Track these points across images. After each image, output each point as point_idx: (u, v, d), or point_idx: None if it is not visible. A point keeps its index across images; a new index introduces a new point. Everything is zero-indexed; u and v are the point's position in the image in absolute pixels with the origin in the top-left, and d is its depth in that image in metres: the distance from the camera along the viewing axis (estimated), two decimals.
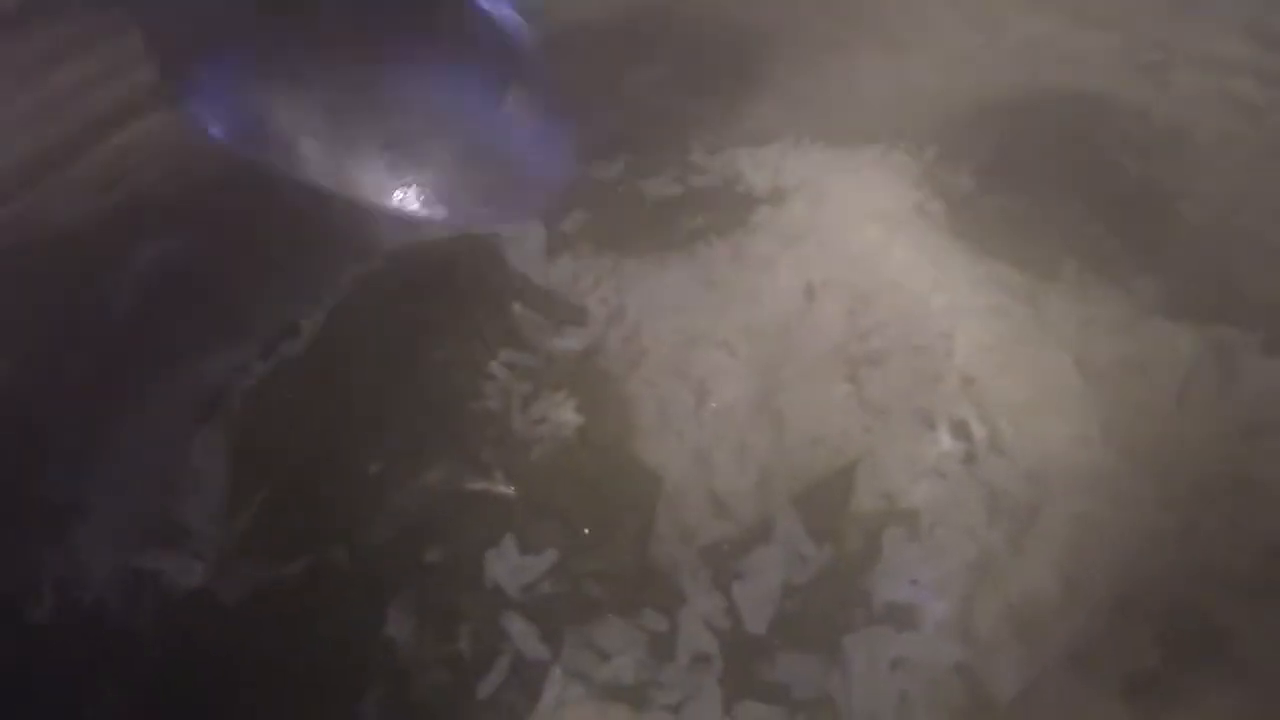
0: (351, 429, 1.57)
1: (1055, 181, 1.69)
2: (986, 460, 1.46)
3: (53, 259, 1.42)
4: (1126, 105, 1.60)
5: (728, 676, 1.35)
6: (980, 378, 1.51)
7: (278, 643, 1.42)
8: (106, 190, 1.50)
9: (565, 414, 1.57)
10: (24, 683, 1.35)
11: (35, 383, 1.43)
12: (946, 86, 1.77)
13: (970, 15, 1.74)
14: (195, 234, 1.59)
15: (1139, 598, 1.35)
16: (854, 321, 1.58)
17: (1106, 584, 1.36)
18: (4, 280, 1.36)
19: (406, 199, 1.25)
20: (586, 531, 1.46)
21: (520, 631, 1.39)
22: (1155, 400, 1.51)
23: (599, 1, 1.85)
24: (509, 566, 1.44)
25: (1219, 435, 1.46)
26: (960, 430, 1.48)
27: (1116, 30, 1.57)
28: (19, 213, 1.38)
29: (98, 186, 1.49)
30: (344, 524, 1.49)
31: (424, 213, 1.25)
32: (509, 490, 1.52)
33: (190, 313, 1.62)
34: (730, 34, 1.89)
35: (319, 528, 1.50)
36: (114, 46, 1.42)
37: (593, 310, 1.68)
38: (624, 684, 1.36)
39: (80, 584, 1.48)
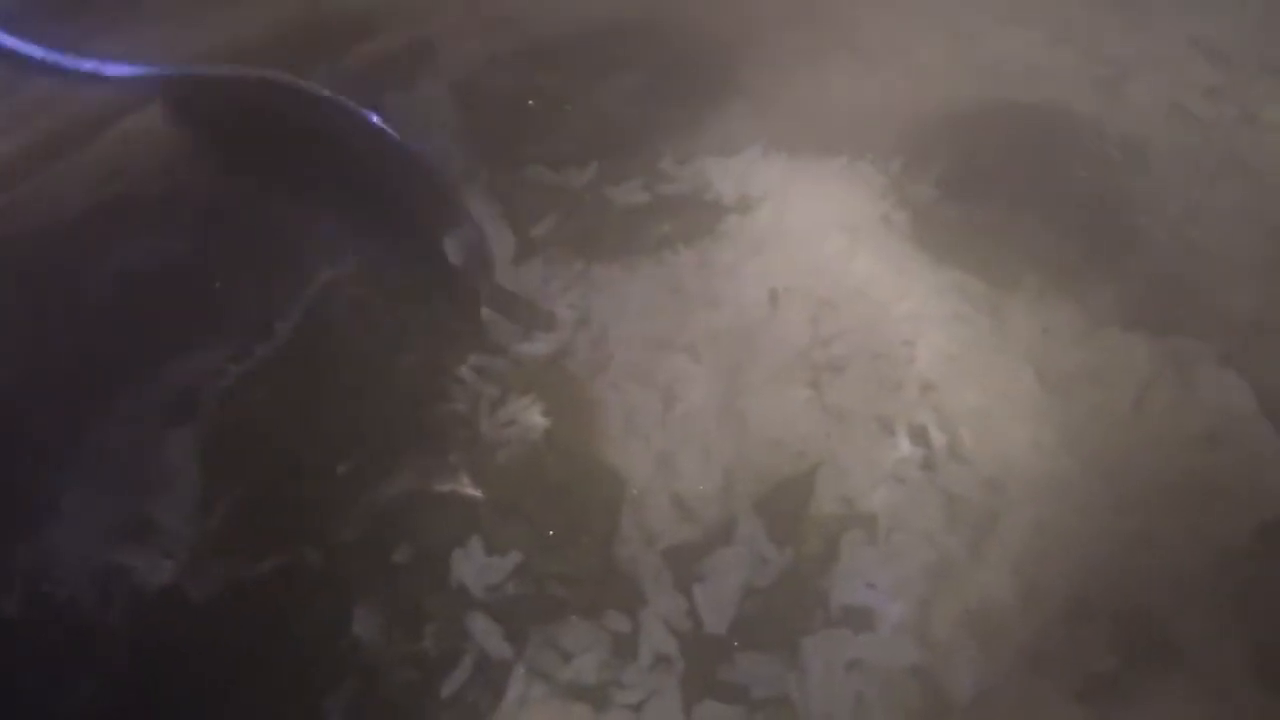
0: (322, 431, 1.59)
1: (1017, 193, 1.72)
2: (945, 466, 1.49)
3: (35, 254, 1.44)
4: (1083, 118, 1.64)
5: (688, 677, 1.37)
6: (940, 385, 1.54)
7: (247, 640, 1.43)
8: (94, 186, 1.51)
9: (533, 417, 1.59)
10: None
11: (11, 377, 1.44)
12: (913, 99, 1.79)
13: (937, 29, 1.78)
14: (173, 234, 1.60)
15: (1095, 602, 1.38)
16: (817, 328, 1.60)
17: (1063, 588, 1.39)
18: None
19: None
20: (551, 533, 1.49)
21: (485, 631, 1.41)
22: (1113, 409, 1.54)
23: (574, 13, 1.87)
24: (475, 567, 1.46)
25: (1175, 443, 1.50)
26: (920, 436, 1.51)
27: (1074, 44, 1.60)
28: (6, 205, 1.39)
29: (86, 182, 1.51)
30: (314, 524, 1.52)
31: None
32: (476, 492, 1.54)
33: (167, 313, 1.63)
34: (702, 46, 1.91)
35: (289, 527, 1.52)
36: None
37: (561, 315, 1.70)
38: (586, 684, 1.38)
39: (52, 579, 1.47)
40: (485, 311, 1.66)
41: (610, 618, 1.42)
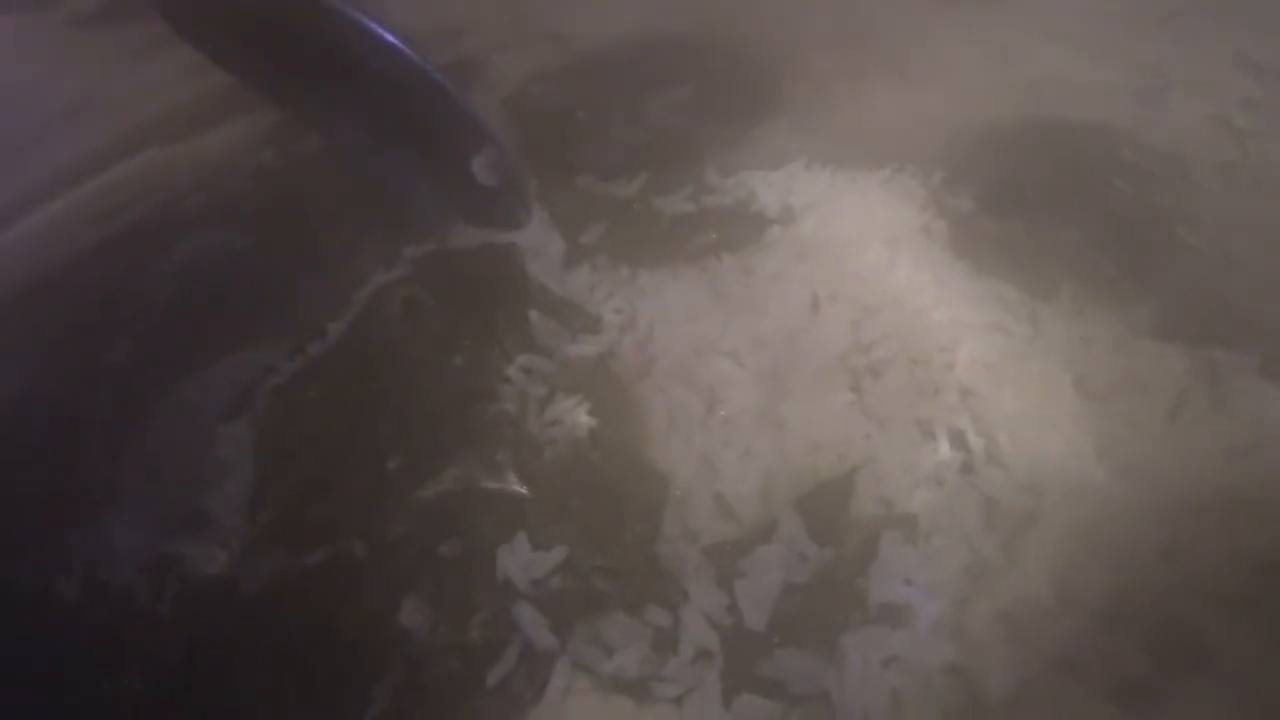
0: (373, 428, 1.62)
1: (1055, 205, 1.74)
2: (983, 470, 1.51)
3: (100, 250, 1.49)
4: (1123, 132, 1.66)
5: (728, 671, 1.39)
6: (979, 391, 1.57)
7: (296, 630, 1.47)
8: (158, 188, 1.57)
9: (578, 417, 1.62)
10: (50, 659, 1.41)
11: (74, 371, 1.49)
12: (954, 115, 1.83)
13: (980, 48, 1.81)
14: (232, 235, 1.65)
15: (1128, 607, 1.39)
16: (857, 334, 1.64)
17: (1097, 592, 1.40)
18: (50, 269, 1.43)
19: None
20: (596, 530, 1.51)
21: (530, 623, 1.44)
22: (1149, 418, 1.55)
23: (622, 28, 1.92)
24: (520, 562, 1.49)
25: (1210, 454, 1.51)
26: (958, 441, 1.53)
27: (1115, 60, 1.62)
28: (74, 203, 1.44)
29: (152, 184, 1.56)
30: (363, 518, 1.55)
31: None
32: (522, 489, 1.57)
33: (224, 312, 1.69)
34: (748, 62, 1.96)
35: (339, 521, 1.55)
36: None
37: (607, 319, 1.74)
38: (628, 677, 1.40)
39: (109, 567, 1.53)
40: (533, 314, 1.69)
41: (652, 612, 1.44)
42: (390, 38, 1.46)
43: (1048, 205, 1.75)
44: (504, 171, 1.64)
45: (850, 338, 1.64)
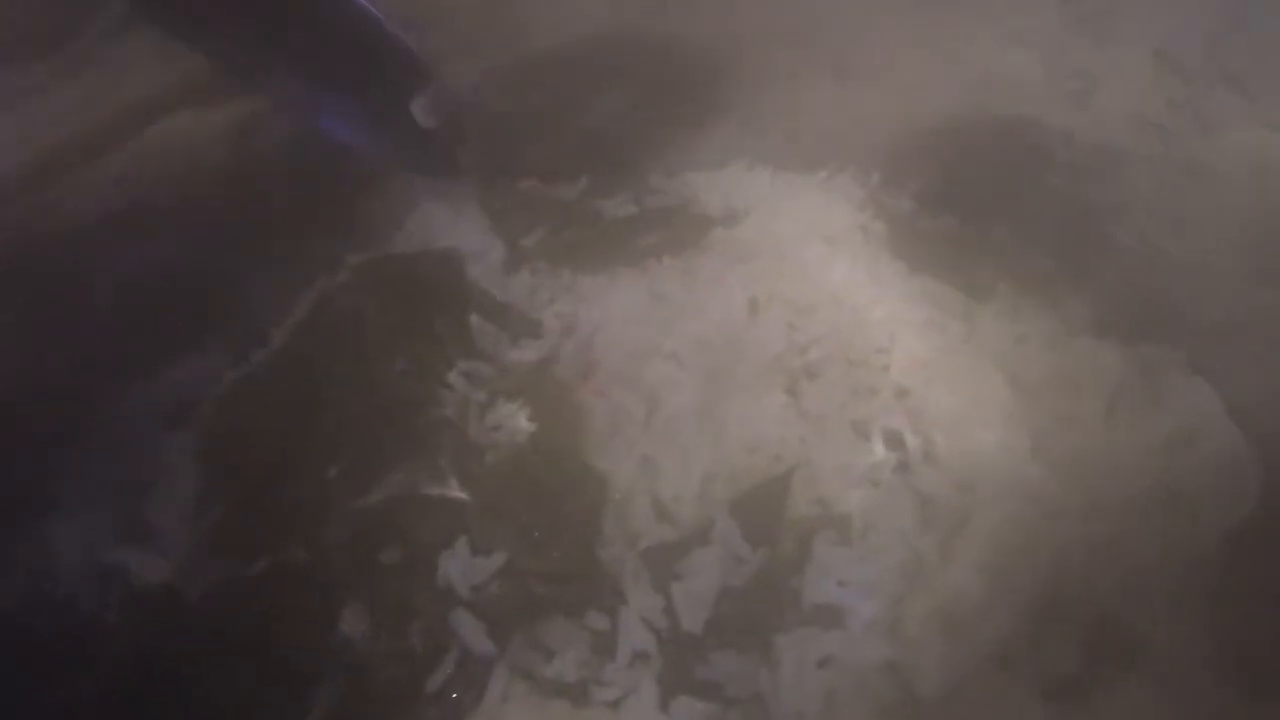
0: (315, 434, 1.63)
1: (991, 204, 1.76)
2: (919, 469, 1.52)
3: (45, 260, 1.49)
4: (1054, 131, 1.67)
5: (665, 674, 1.41)
6: (915, 390, 1.58)
7: (238, 637, 1.47)
8: (105, 196, 1.57)
9: (519, 422, 1.63)
10: None
11: (16, 379, 1.50)
12: (893, 114, 1.83)
13: (919, 46, 1.81)
14: (178, 243, 1.65)
15: (1063, 603, 1.41)
16: (794, 335, 1.65)
17: (1032, 589, 1.41)
18: None
19: None
20: (536, 534, 1.52)
21: (469, 629, 1.45)
22: (1083, 415, 1.57)
23: (573, 27, 1.92)
24: (461, 567, 1.50)
25: (1144, 449, 1.53)
26: (894, 440, 1.54)
27: (1043, 59, 1.64)
28: (21, 212, 1.44)
29: (99, 191, 1.56)
30: (305, 525, 1.56)
31: None
32: (463, 494, 1.57)
33: (168, 319, 1.68)
34: (694, 62, 1.95)
35: (281, 528, 1.56)
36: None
37: (548, 323, 1.74)
38: (566, 681, 1.41)
39: (51, 576, 1.54)
40: (474, 318, 1.69)
41: (591, 616, 1.45)
42: None
43: (984, 204, 1.77)
44: (443, 112, 1.63)
45: (788, 339, 1.64)
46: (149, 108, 1.66)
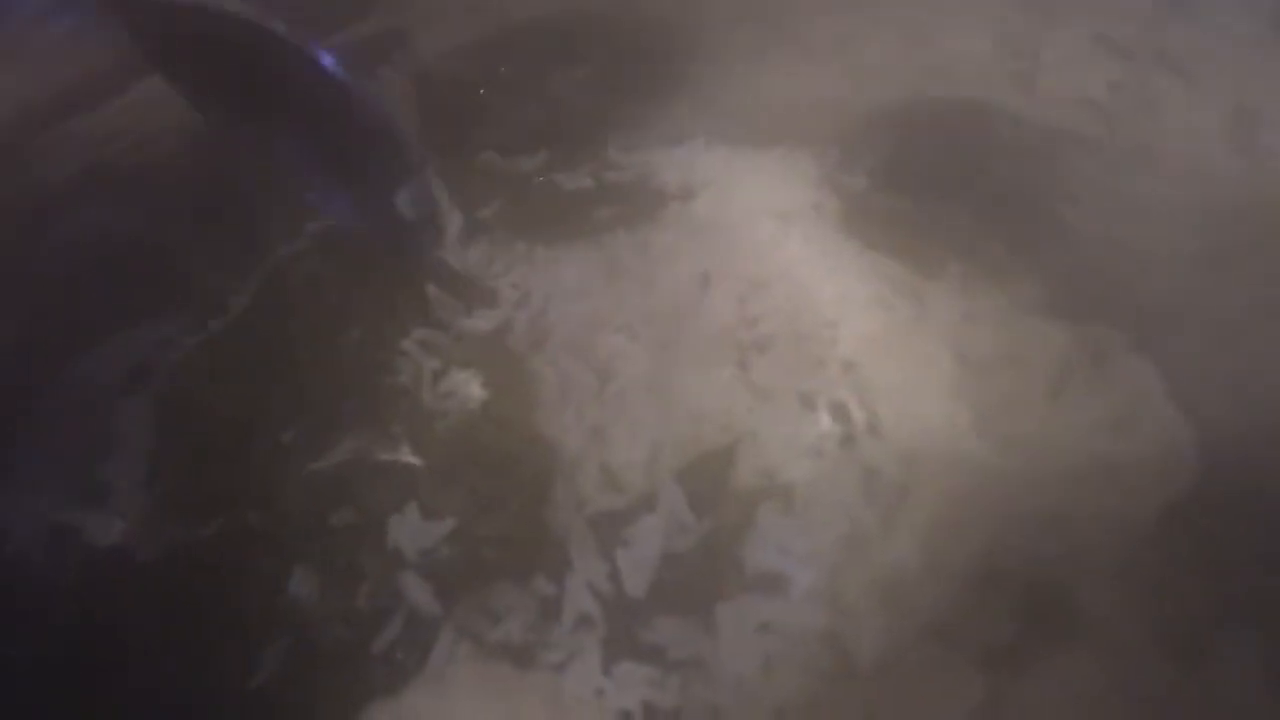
0: (271, 400, 1.65)
1: (944, 184, 1.77)
2: (863, 442, 1.53)
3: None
4: (1003, 112, 1.69)
5: (609, 638, 1.42)
6: (862, 365, 1.59)
7: (190, 598, 1.49)
8: (66, 158, 1.57)
9: (472, 390, 1.65)
10: None
11: None
12: (851, 93, 1.85)
13: (879, 25, 1.83)
14: (138, 206, 1.66)
15: (1001, 575, 1.43)
16: (745, 309, 1.66)
17: (970, 561, 1.43)
18: None
19: None
20: (486, 500, 1.54)
21: (416, 591, 1.46)
22: (1028, 392, 1.58)
23: (527, 9, 1.93)
24: (411, 531, 1.52)
25: (1087, 427, 1.54)
26: (840, 413, 1.56)
27: (990, 41, 1.65)
28: None
29: (61, 153, 1.56)
30: (258, 489, 1.57)
31: None
32: (415, 460, 1.59)
33: (126, 283, 1.69)
34: (655, 36, 1.97)
35: (235, 491, 1.58)
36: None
37: (503, 294, 1.76)
38: (512, 643, 1.43)
39: (4, 537, 1.55)
40: (430, 288, 1.71)
41: (538, 581, 1.46)
42: (337, 69, 1.47)
43: (938, 183, 1.78)
44: (426, 207, 1.67)
45: (738, 313, 1.66)
46: (113, 75, 1.66)
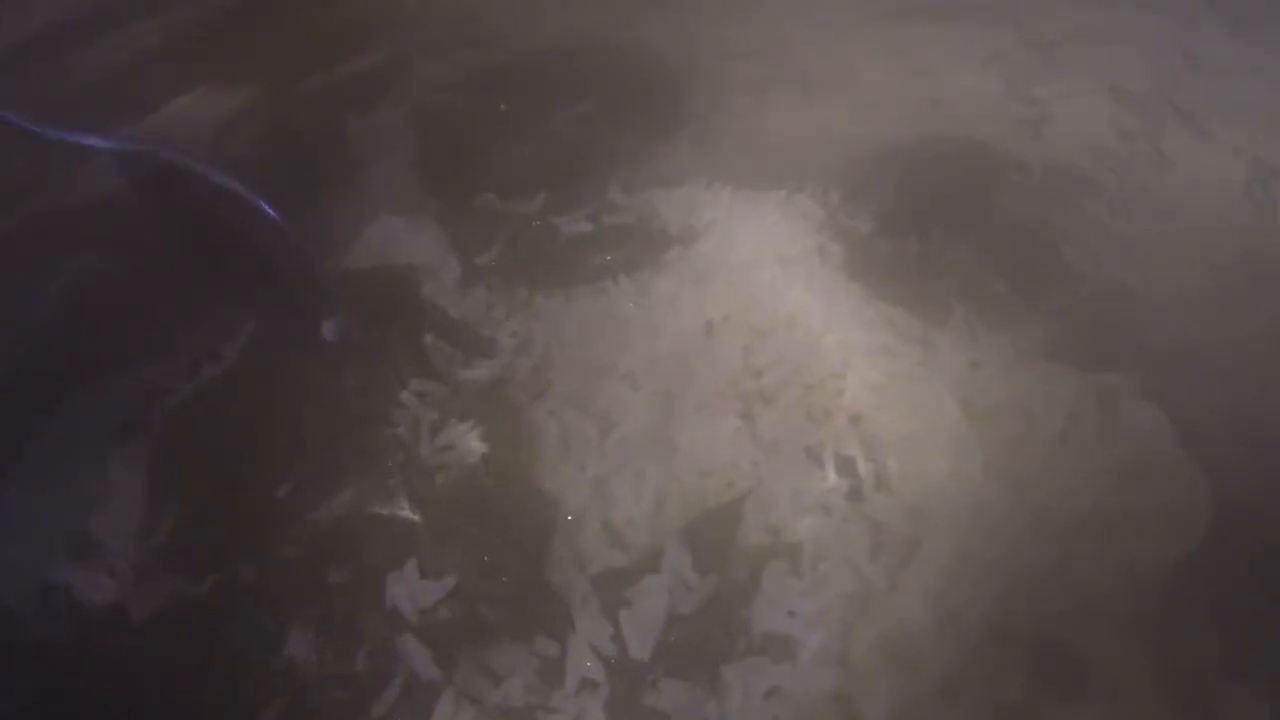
0: (266, 452, 1.62)
1: (949, 227, 1.75)
2: (871, 496, 1.52)
3: None
4: (1010, 155, 1.67)
5: (612, 702, 1.40)
6: (868, 416, 1.57)
7: (183, 658, 1.46)
8: (48, 201, 1.54)
9: (471, 442, 1.62)
10: None
11: None
12: (854, 132, 1.83)
13: (883, 63, 1.80)
14: (126, 252, 1.62)
15: (1011, 630, 1.41)
16: (749, 358, 1.64)
17: (981, 617, 1.41)
18: None
19: None
20: (486, 558, 1.51)
21: (416, 654, 1.44)
22: (1037, 441, 1.56)
23: (545, 33, 1.90)
24: (409, 589, 1.49)
25: (1097, 475, 1.52)
26: (846, 466, 1.54)
27: (998, 84, 1.63)
28: None
29: (42, 196, 1.53)
30: (254, 544, 1.54)
31: None
32: (414, 515, 1.57)
33: (118, 332, 1.65)
34: (657, 73, 1.94)
35: (229, 547, 1.55)
36: None
37: (502, 342, 1.73)
38: (513, 707, 1.40)
39: None
40: (428, 337, 1.68)
41: (540, 642, 1.44)
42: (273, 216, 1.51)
43: (942, 227, 1.76)
44: (348, 336, 1.67)
45: (743, 362, 1.64)
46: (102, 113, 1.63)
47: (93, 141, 1.39)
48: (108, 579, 1.56)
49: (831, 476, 1.53)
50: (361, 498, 1.58)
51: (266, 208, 1.49)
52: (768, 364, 1.63)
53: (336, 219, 1.83)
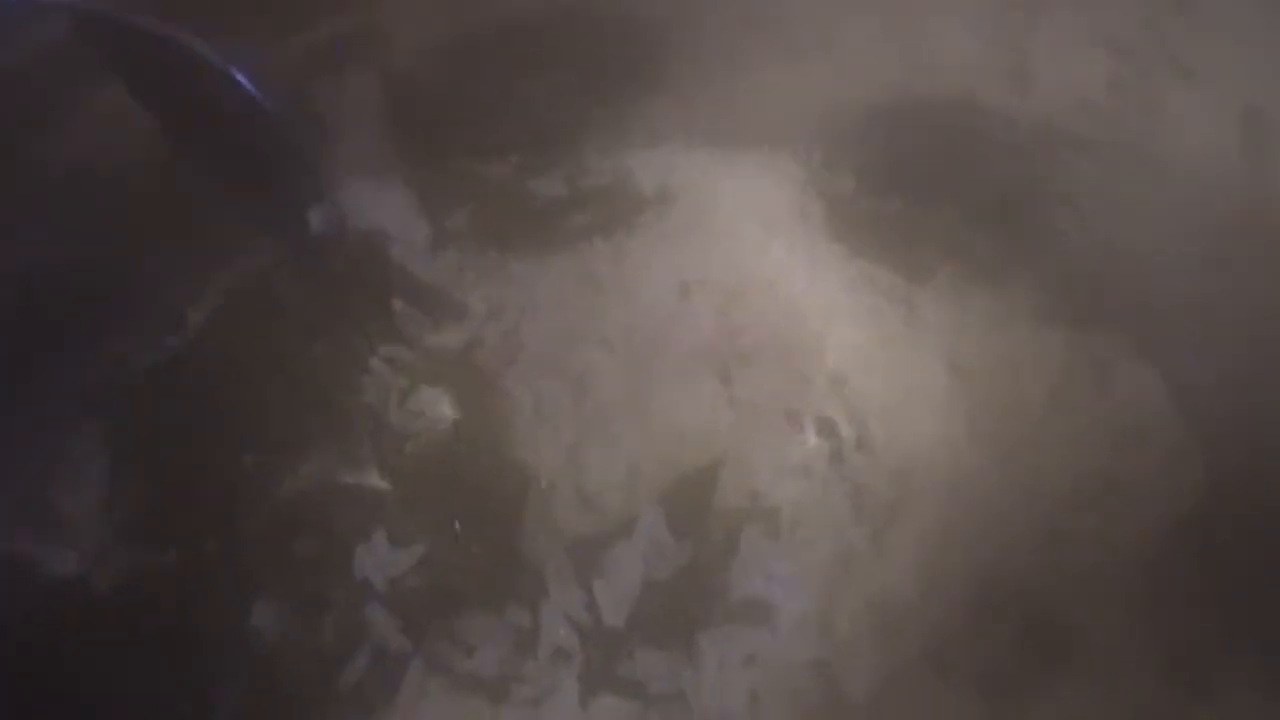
0: (231, 421, 1.58)
1: (934, 185, 1.71)
2: (853, 460, 1.49)
3: None
4: (996, 111, 1.63)
5: (586, 672, 1.37)
6: (850, 378, 1.54)
7: (147, 631, 1.43)
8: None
9: (442, 409, 1.58)
10: None
11: None
12: (835, 90, 1.78)
13: (865, 20, 1.76)
14: (82, 222, 1.59)
15: (998, 598, 1.38)
16: (726, 320, 1.60)
17: (966, 583, 1.39)
18: None
19: None
20: (457, 526, 1.48)
21: (384, 623, 1.41)
22: (1025, 403, 1.53)
23: (504, 5, 1.86)
24: (378, 559, 1.46)
25: (1088, 439, 1.50)
26: (828, 429, 1.51)
27: (986, 37, 1.60)
28: None
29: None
30: (219, 515, 1.51)
31: None
32: (383, 484, 1.54)
33: (78, 300, 1.62)
34: (632, 36, 1.89)
35: (194, 518, 1.51)
36: None
37: (474, 307, 1.68)
38: (485, 677, 1.37)
39: None
40: (397, 302, 1.64)
41: (512, 611, 1.41)
42: (251, 88, 1.44)
43: (927, 184, 1.71)
44: (336, 226, 1.63)
45: (720, 325, 1.60)
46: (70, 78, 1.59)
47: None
48: (70, 551, 1.52)
49: (812, 439, 1.50)
50: (329, 466, 1.55)
51: (242, 78, 1.42)
52: (746, 326, 1.59)
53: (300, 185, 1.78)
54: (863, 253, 1.69)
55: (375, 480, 1.54)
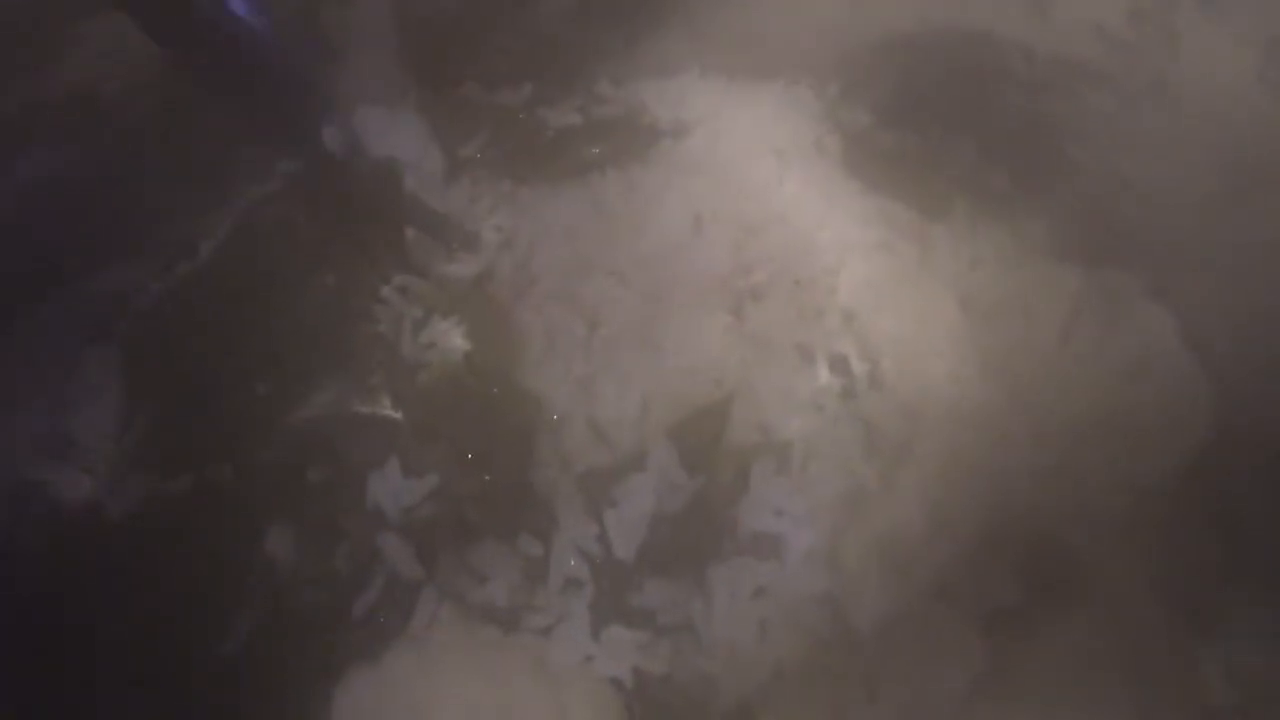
0: (244, 349, 1.60)
1: (951, 119, 1.69)
2: (864, 395, 1.48)
3: None
4: (1014, 43, 1.60)
5: (597, 602, 1.38)
6: (863, 313, 1.53)
7: (161, 557, 1.44)
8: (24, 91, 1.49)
9: (454, 339, 1.59)
10: None
11: None
12: (853, 23, 1.75)
13: None
14: (93, 149, 1.58)
15: (1006, 534, 1.38)
16: (740, 254, 1.59)
17: (975, 519, 1.39)
18: None
19: None
20: (469, 456, 1.49)
21: (398, 552, 1.42)
22: (1038, 340, 1.52)
23: None
24: (391, 489, 1.47)
25: (1099, 377, 1.48)
26: (840, 365, 1.50)
27: None
28: None
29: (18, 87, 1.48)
30: (232, 443, 1.53)
31: None
32: (395, 414, 1.55)
33: (87, 229, 1.61)
34: None
35: (207, 446, 1.53)
36: None
37: (486, 237, 1.68)
38: (497, 605, 1.39)
39: None
40: (409, 231, 1.63)
41: (524, 541, 1.42)
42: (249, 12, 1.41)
43: (944, 118, 1.70)
44: (351, 145, 1.61)
45: (733, 258, 1.58)
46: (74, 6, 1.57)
47: None
48: (84, 477, 1.53)
49: (824, 375, 1.49)
50: (342, 396, 1.56)
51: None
52: (759, 260, 1.58)
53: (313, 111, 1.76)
54: (878, 187, 1.67)
55: (388, 410, 1.54)
